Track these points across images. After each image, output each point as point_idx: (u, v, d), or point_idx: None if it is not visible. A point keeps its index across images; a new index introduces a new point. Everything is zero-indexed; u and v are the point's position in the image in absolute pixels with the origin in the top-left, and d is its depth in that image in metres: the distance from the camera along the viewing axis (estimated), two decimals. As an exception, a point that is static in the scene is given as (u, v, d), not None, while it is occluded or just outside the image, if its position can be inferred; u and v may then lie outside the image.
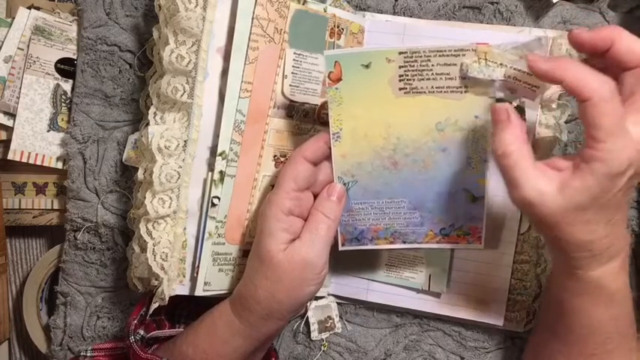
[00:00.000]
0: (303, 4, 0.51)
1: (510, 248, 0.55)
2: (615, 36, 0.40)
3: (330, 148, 0.47)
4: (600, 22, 0.56)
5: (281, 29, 0.50)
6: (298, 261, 0.45)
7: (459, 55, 0.43)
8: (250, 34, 0.48)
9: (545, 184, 0.39)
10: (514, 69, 0.42)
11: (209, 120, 0.50)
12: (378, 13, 0.57)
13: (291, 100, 0.52)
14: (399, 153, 0.47)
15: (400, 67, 0.44)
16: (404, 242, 0.51)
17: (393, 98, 0.45)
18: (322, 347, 0.60)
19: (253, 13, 0.48)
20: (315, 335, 0.59)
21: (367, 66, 0.44)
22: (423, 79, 0.44)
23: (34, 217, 0.60)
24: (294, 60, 0.51)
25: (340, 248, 0.51)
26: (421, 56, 0.43)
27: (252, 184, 0.51)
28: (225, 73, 0.50)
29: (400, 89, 0.45)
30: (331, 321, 0.59)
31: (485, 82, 0.44)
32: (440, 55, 0.43)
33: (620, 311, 0.45)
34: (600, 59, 0.42)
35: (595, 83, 0.37)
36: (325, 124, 0.54)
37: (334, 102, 0.46)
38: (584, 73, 0.38)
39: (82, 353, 0.54)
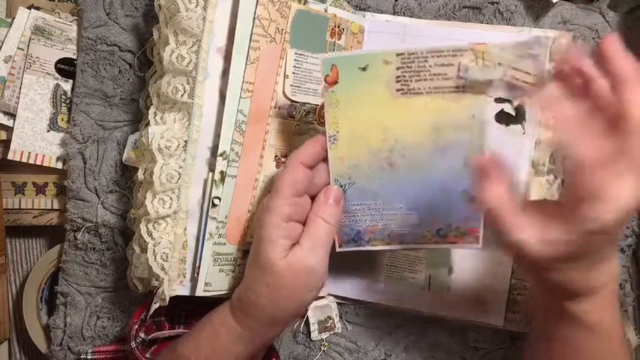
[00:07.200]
0: (304, 4, 0.51)
1: (510, 248, 0.55)
2: None
3: (321, 150, 0.47)
4: (600, 22, 0.56)
5: (282, 29, 0.50)
6: (300, 268, 0.45)
7: (456, 55, 0.43)
8: (252, 34, 0.48)
9: (529, 233, 0.39)
10: (513, 68, 0.42)
11: (209, 120, 0.50)
12: (378, 13, 0.57)
13: (293, 100, 0.52)
14: (395, 154, 0.47)
15: (397, 68, 0.44)
16: (401, 243, 0.51)
17: (390, 100, 0.45)
18: (322, 347, 0.60)
19: (255, 13, 0.48)
20: (315, 335, 0.59)
21: (364, 69, 0.44)
22: (420, 80, 0.44)
23: (34, 217, 0.60)
24: (295, 60, 0.51)
25: (337, 249, 0.51)
26: (418, 57, 0.43)
27: (254, 184, 0.51)
28: (225, 73, 0.50)
29: (397, 90, 0.45)
30: (331, 321, 0.59)
31: (483, 82, 0.43)
32: (437, 56, 0.43)
33: (601, 344, 0.44)
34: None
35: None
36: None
37: (330, 105, 0.45)
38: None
39: (82, 356, 0.54)
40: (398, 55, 0.44)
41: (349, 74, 0.44)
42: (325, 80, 0.44)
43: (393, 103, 0.45)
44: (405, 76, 0.44)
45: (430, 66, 0.43)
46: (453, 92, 0.44)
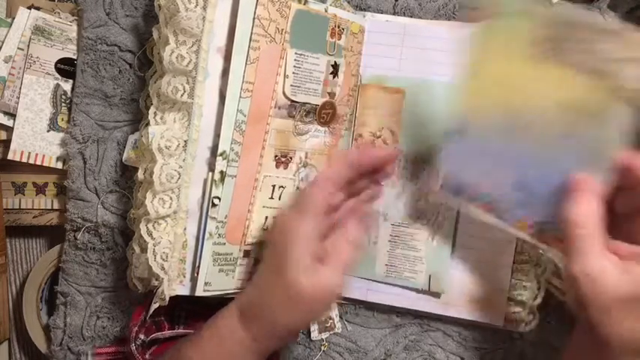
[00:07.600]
0: (304, 4, 0.51)
1: (510, 248, 0.55)
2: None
3: (348, 169, 0.46)
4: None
5: (282, 29, 0.50)
6: (324, 290, 0.45)
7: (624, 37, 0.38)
8: (252, 33, 0.48)
9: (608, 263, 0.39)
10: None
11: (209, 120, 0.50)
12: (378, 13, 0.57)
13: (293, 100, 0.52)
14: (520, 121, 0.43)
15: (547, 28, 0.40)
16: (497, 217, 0.47)
17: (532, 61, 0.41)
18: (322, 347, 0.60)
19: (254, 12, 0.48)
20: (315, 335, 0.59)
21: (514, 16, 0.41)
22: (573, 53, 0.40)
23: (34, 217, 0.60)
24: (295, 60, 0.51)
25: (432, 190, 0.49)
26: (577, 26, 0.39)
27: (253, 184, 0.51)
28: (225, 72, 0.50)
29: (542, 53, 0.41)
30: (331, 321, 0.59)
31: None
32: (601, 33, 0.39)
33: None
34: None
35: None
36: (325, 124, 0.55)
37: (475, 42, 0.43)
38: None
39: (82, 358, 0.53)
40: (551, 17, 0.40)
41: (502, 17, 0.42)
42: (476, 14, 0.42)
43: (536, 66, 0.41)
44: (555, 41, 0.40)
45: (588, 40, 0.39)
46: (604, 84, 0.40)
